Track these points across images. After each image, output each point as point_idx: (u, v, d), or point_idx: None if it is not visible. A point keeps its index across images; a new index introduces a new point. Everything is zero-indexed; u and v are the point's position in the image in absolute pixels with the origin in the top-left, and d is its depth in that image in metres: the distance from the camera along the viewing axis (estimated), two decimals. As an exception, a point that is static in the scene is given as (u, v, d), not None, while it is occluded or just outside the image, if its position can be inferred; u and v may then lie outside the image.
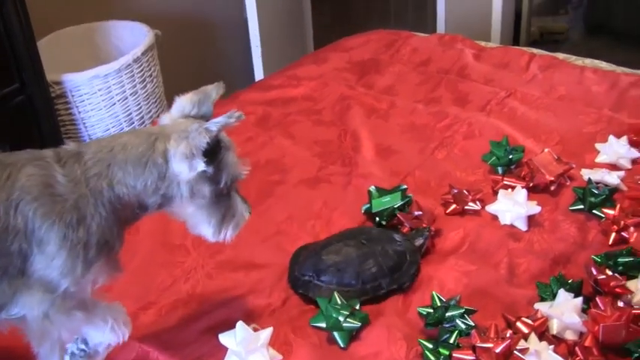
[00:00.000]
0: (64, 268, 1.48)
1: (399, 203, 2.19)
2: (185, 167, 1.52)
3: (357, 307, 1.83)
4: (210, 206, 1.63)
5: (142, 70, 3.23)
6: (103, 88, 3.12)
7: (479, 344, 1.60)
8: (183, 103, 1.65)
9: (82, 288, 1.55)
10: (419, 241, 2.03)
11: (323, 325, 1.79)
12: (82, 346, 1.69)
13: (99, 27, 3.51)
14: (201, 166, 1.52)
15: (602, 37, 5.37)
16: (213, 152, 1.54)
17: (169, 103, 3.48)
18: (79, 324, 1.59)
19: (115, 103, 3.19)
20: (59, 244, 1.46)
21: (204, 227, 1.66)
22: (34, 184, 1.46)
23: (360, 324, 1.79)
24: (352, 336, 1.78)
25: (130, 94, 3.23)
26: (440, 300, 1.81)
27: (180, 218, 1.69)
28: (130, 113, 3.27)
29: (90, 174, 1.50)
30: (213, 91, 1.67)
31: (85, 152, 1.52)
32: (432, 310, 1.78)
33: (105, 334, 1.63)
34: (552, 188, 2.31)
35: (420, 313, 1.80)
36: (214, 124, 1.51)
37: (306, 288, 1.94)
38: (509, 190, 2.27)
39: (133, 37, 3.40)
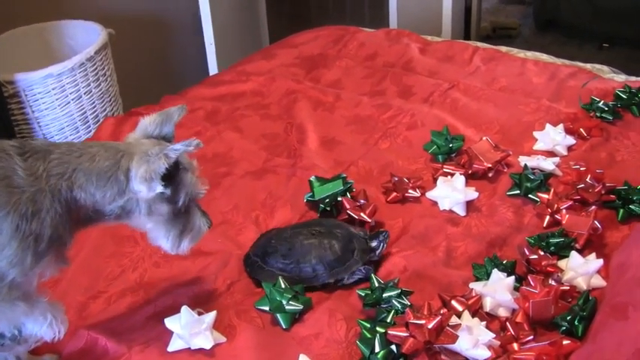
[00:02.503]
0: (14, 258, 1.51)
1: (341, 189, 2.24)
2: (144, 188, 1.60)
3: (300, 292, 1.89)
4: (168, 222, 1.71)
5: (95, 69, 3.25)
6: (56, 87, 3.13)
7: (412, 321, 1.66)
8: (147, 123, 1.73)
9: (28, 280, 1.58)
10: (374, 243, 2.05)
11: (267, 307, 1.85)
12: (15, 331, 1.70)
13: (52, 26, 3.52)
14: (159, 188, 1.60)
15: (554, 32, 5.46)
16: (171, 175, 1.62)
17: (125, 102, 3.53)
18: (19, 315, 1.61)
19: (69, 102, 3.21)
20: (11, 234, 1.49)
21: (163, 241, 1.74)
22: None
23: (302, 306, 1.84)
24: (295, 318, 1.84)
25: (85, 93, 3.25)
26: (378, 282, 1.87)
27: (140, 230, 1.78)
28: (85, 112, 3.29)
29: (52, 172, 1.54)
30: (176, 113, 1.75)
31: (53, 151, 1.57)
32: (370, 292, 1.85)
33: (42, 329, 1.65)
34: (490, 175, 2.38)
35: (358, 295, 1.86)
36: (173, 151, 1.58)
37: (252, 268, 2.01)
38: (449, 177, 2.33)
39: (86, 37, 3.42)
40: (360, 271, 1.98)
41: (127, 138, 1.75)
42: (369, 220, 2.16)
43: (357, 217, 2.17)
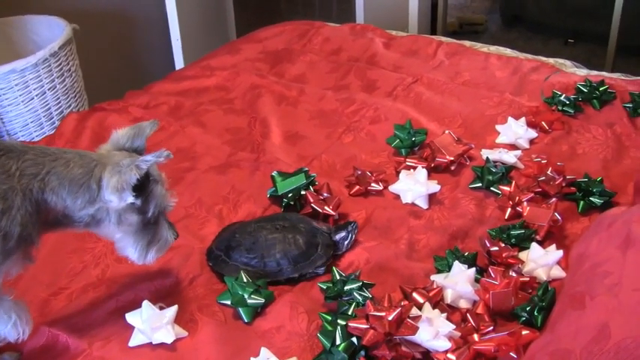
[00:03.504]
0: None
1: (304, 183, 2.24)
2: (115, 198, 1.62)
3: (263, 286, 1.89)
4: (137, 233, 1.74)
5: (59, 65, 3.22)
6: (19, 82, 3.10)
7: (372, 313, 1.66)
8: (119, 136, 1.76)
9: None
10: (340, 235, 2.05)
11: (228, 302, 1.85)
12: None
13: (15, 21, 3.48)
14: (130, 198, 1.64)
15: (520, 28, 5.50)
16: (142, 186, 1.66)
17: (90, 98, 3.49)
18: None
19: (32, 98, 3.18)
20: None
21: (130, 251, 1.77)
22: None
23: (264, 300, 1.84)
24: (257, 312, 1.84)
25: (49, 89, 3.22)
26: (339, 274, 1.87)
27: (109, 240, 1.80)
28: (49, 108, 3.26)
29: (26, 172, 1.55)
30: (148, 127, 1.79)
31: (27, 152, 1.58)
32: (331, 285, 1.85)
33: (6, 329, 1.64)
34: (452, 168, 2.39)
35: (320, 288, 1.87)
36: (144, 162, 1.62)
37: (216, 262, 2.01)
38: (411, 170, 2.34)
39: (50, 32, 3.39)
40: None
41: (99, 149, 1.76)
42: (333, 214, 2.17)
43: (320, 210, 2.17)
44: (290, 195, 2.22)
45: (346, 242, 2.06)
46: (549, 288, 1.80)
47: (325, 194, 2.23)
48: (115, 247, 1.79)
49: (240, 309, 1.83)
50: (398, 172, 2.36)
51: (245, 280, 1.87)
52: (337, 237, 2.05)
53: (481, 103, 2.79)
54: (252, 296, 1.84)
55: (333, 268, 1.91)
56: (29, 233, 1.56)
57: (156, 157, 1.62)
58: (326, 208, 2.17)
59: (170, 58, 4.22)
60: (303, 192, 2.22)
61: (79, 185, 1.60)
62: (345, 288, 1.83)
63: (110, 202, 1.63)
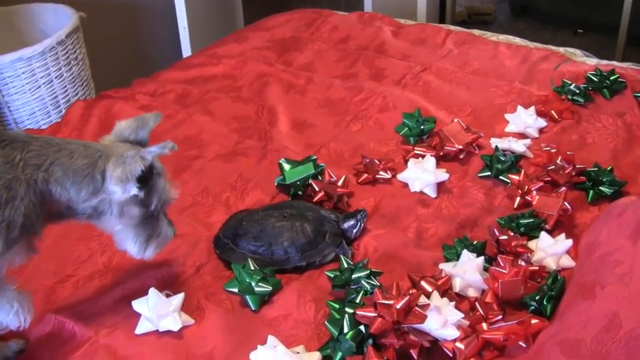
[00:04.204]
0: None
1: (312, 172, 2.23)
2: (119, 189, 1.61)
3: (270, 274, 1.88)
4: (137, 226, 1.73)
5: (66, 53, 3.22)
6: (26, 71, 3.10)
7: (380, 301, 1.65)
8: (123, 128, 1.75)
9: None
10: (348, 223, 2.04)
11: (236, 289, 1.84)
12: None
13: (21, 10, 3.48)
14: (134, 190, 1.62)
15: (529, 18, 5.47)
16: (146, 178, 1.64)
17: (97, 86, 3.49)
18: None
19: (40, 87, 3.18)
20: None
21: (130, 245, 1.75)
22: None
23: (271, 288, 1.84)
24: (264, 300, 1.83)
25: (56, 77, 3.21)
26: (347, 263, 1.87)
27: (108, 233, 1.78)
28: (56, 96, 3.26)
29: (30, 162, 1.54)
30: (152, 119, 1.77)
31: (32, 143, 1.57)
32: (339, 273, 1.84)
33: (8, 318, 1.63)
34: (461, 157, 2.38)
35: (327, 276, 1.86)
36: (149, 153, 1.61)
37: (223, 250, 2.00)
38: (420, 159, 2.33)
39: (56, 20, 3.39)
40: (343, 249, 1.99)
41: (102, 140, 1.76)
42: (347, 191, 2.19)
43: (332, 192, 2.17)
44: (298, 184, 2.21)
45: (355, 230, 2.05)
46: (558, 277, 1.79)
47: (333, 177, 2.24)
48: (114, 241, 1.77)
49: (247, 297, 1.82)
50: (406, 161, 2.35)
51: (252, 267, 1.87)
52: (345, 225, 2.04)
53: (490, 91, 2.78)
54: (260, 284, 1.83)
55: (341, 256, 1.91)
56: (32, 224, 1.56)
57: (160, 149, 1.62)
58: (337, 189, 2.18)
59: (177, 47, 4.21)
60: (311, 181, 2.21)
61: (83, 176, 1.59)
62: (353, 276, 1.83)
63: (114, 194, 1.62)
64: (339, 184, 2.21)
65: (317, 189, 2.18)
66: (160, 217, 1.78)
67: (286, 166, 2.26)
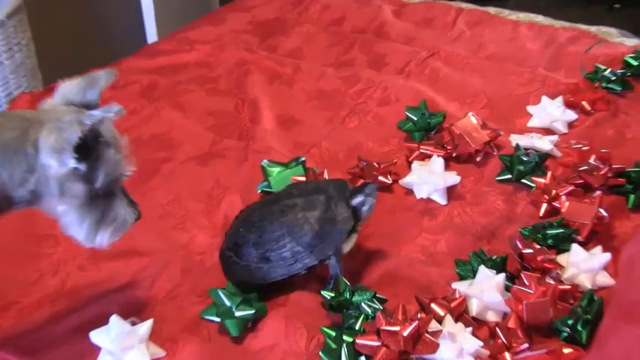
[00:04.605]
0: None
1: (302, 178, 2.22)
2: (54, 162, 1.54)
3: (254, 298, 1.86)
4: (83, 207, 1.65)
5: (7, 37, 3.19)
6: (-42, 58, 3.09)
7: (384, 327, 1.64)
8: (67, 88, 1.68)
9: None
10: (357, 200, 2.00)
11: (214, 317, 1.82)
12: None
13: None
14: (72, 162, 1.54)
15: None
16: (88, 148, 1.57)
17: (45, 77, 3.46)
18: None
19: (-25, 77, 3.17)
20: None
21: (75, 229, 1.68)
22: None
23: (254, 311, 1.82)
24: (246, 327, 1.81)
25: (-6, 66, 3.20)
26: (345, 284, 1.85)
27: (51, 216, 1.71)
28: (-5, 88, 3.25)
29: None
30: (103, 77, 1.71)
31: None
32: (335, 293, 1.83)
33: None
34: (478, 159, 2.38)
35: (322, 297, 1.83)
36: (90, 117, 1.54)
37: (227, 265, 1.98)
38: (426, 159, 2.33)
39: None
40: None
41: (42, 104, 1.69)
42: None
43: None
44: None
45: (364, 208, 2.00)
46: (595, 298, 1.79)
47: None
48: (60, 226, 1.70)
49: (226, 322, 1.80)
50: (410, 163, 2.35)
51: (233, 289, 1.85)
52: (354, 202, 1.99)
53: (509, 80, 2.78)
54: (241, 307, 1.81)
55: (340, 276, 1.88)
56: None
57: (104, 113, 1.54)
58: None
59: (141, 30, 4.21)
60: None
61: (12, 152, 1.53)
62: (354, 299, 1.80)
63: (49, 168, 1.55)
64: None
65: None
66: (115, 197, 1.71)
67: (271, 170, 2.25)
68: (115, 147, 1.66)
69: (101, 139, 1.61)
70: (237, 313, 1.81)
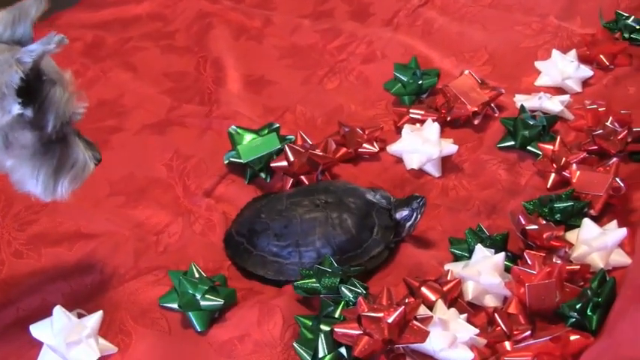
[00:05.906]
0: None
1: (277, 148, 2.25)
2: None
3: (222, 282, 1.90)
4: (35, 157, 1.66)
5: None
6: None
7: (366, 313, 1.67)
8: None
9: None
10: (402, 213, 2.04)
11: (175, 305, 1.84)
12: None
13: None
14: (15, 108, 1.54)
15: None
16: (31, 90, 1.57)
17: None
18: None
19: None
20: None
21: (31, 183, 1.69)
22: None
23: (222, 302, 1.85)
24: (213, 318, 1.85)
25: None
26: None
27: (1, 173, 1.71)
28: None
29: None
30: (32, 7, 1.67)
31: None
32: (309, 275, 1.86)
33: None
34: (476, 122, 2.40)
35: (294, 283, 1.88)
36: (28, 53, 1.51)
37: (236, 252, 2.02)
38: (417, 125, 2.36)
39: None
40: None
41: None
42: (334, 158, 2.26)
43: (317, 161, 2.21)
44: (259, 164, 2.25)
45: (408, 224, 2.05)
46: (607, 278, 1.80)
47: (309, 141, 2.27)
48: (12, 183, 1.70)
49: (190, 314, 1.83)
50: (399, 128, 2.38)
51: (197, 274, 1.88)
52: (398, 215, 2.04)
53: (514, 31, 2.81)
54: (207, 296, 1.83)
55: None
56: None
57: (44, 45, 1.51)
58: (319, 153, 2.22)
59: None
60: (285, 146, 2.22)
61: None
62: (327, 281, 1.83)
63: None
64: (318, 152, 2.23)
65: (292, 158, 2.19)
66: (69, 141, 1.72)
67: (240, 138, 2.28)
68: (61, 84, 1.64)
69: (44, 77, 1.61)
70: (204, 303, 1.83)
